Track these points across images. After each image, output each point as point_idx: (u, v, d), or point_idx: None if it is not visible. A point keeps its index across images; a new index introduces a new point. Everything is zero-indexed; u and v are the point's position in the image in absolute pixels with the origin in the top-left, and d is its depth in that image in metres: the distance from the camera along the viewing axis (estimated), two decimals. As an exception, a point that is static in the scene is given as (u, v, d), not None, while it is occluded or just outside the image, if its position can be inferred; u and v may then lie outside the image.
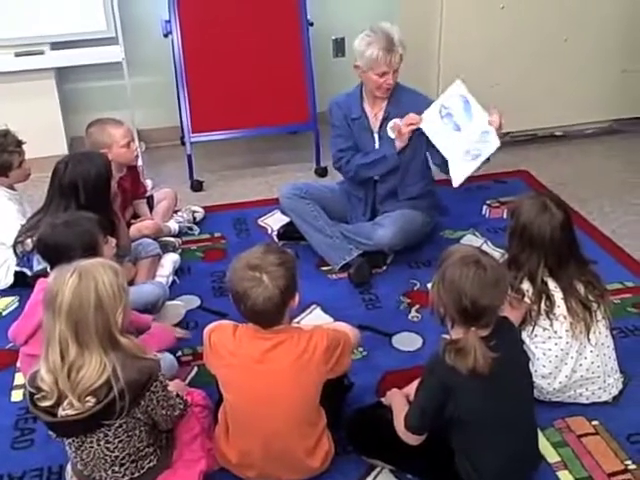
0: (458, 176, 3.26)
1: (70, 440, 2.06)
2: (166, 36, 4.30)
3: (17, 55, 4.23)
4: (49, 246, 2.49)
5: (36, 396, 1.99)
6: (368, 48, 3.23)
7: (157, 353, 2.53)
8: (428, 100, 3.39)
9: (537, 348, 2.50)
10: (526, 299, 2.46)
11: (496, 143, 3.18)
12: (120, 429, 2.02)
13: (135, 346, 2.05)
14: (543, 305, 2.47)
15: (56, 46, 4.33)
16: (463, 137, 3.24)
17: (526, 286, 2.46)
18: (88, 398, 1.95)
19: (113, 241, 2.64)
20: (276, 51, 4.31)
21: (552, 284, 2.47)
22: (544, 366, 2.48)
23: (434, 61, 4.40)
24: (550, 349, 2.48)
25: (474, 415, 2.07)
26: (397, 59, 3.24)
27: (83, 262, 2.02)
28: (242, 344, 2.17)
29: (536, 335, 2.50)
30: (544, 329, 2.49)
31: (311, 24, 4.38)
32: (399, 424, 2.19)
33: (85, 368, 1.95)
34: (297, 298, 2.19)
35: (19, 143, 3.32)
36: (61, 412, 1.96)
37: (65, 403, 1.95)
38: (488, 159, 3.28)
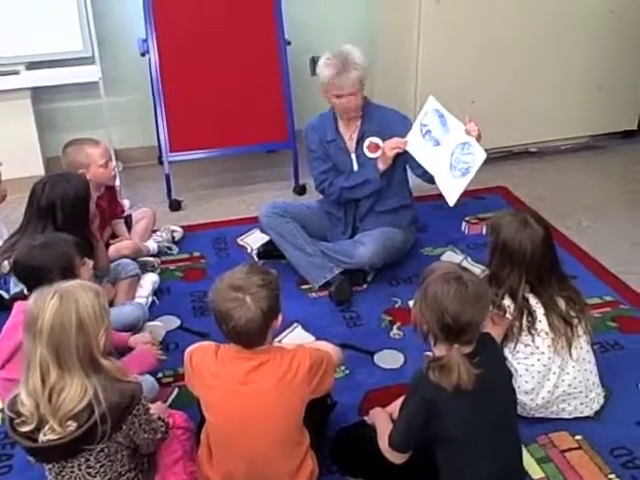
0: (451, 195, 3.23)
1: (50, 465, 2.03)
2: (143, 55, 4.28)
3: (-9, 75, 4.20)
4: (26, 268, 2.46)
5: (15, 421, 1.95)
6: (323, 70, 3.27)
7: (138, 375, 2.53)
8: (401, 116, 3.42)
9: (519, 364, 2.50)
10: (507, 315, 2.47)
11: (482, 155, 3.13)
12: (102, 453, 1.99)
13: (116, 368, 2.03)
14: (525, 321, 2.48)
15: (32, 66, 4.30)
16: (444, 151, 3.23)
17: (507, 302, 2.47)
18: (69, 422, 1.91)
19: (90, 263, 2.61)
20: (254, 70, 4.31)
21: (533, 300, 2.48)
22: (527, 382, 2.49)
23: (412, 78, 4.43)
24: (533, 365, 2.48)
25: (458, 431, 2.07)
26: (351, 81, 3.22)
27: (63, 284, 2.00)
28: (224, 365, 2.15)
29: (518, 351, 2.51)
30: (526, 345, 2.50)
31: (289, 43, 4.39)
32: (383, 442, 2.18)
33: (66, 391, 1.92)
34: (280, 319, 2.18)
35: (-5, 165, 3.28)
36: (42, 437, 1.92)
37: (46, 428, 1.92)
38: None
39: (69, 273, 2.39)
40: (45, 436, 1.92)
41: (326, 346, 2.45)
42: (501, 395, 2.15)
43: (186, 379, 2.28)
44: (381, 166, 3.34)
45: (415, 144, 3.30)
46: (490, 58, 4.44)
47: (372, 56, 4.74)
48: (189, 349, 2.29)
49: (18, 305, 2.48)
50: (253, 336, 2.10)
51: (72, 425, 1.91)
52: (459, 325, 2.02)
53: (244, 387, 2.10)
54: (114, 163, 3.49)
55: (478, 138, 3.14)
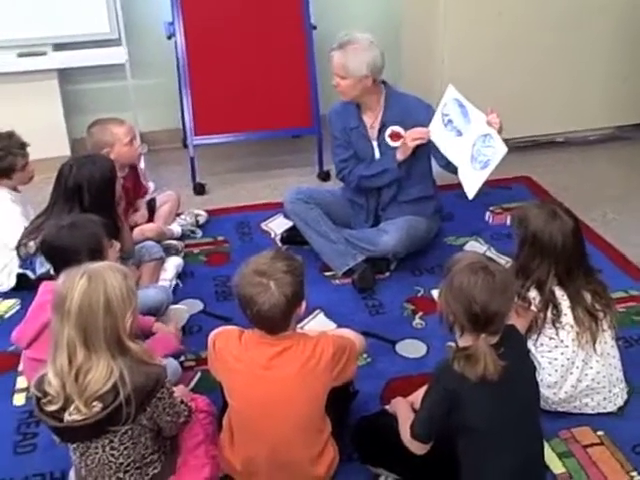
0: (470, 187, 3.19)
1: (75, 445, 2.05)
2: (169, 38, 4.28)
3: (20, 56, 4.23)
4: (54, 248, 2.47)
5: (42, 400, 1.97)
6: None
7: (162, 358, 2.54)
8: (424, 104, 3.38)
9: (543, 357, 2.49)
10: (532, 307, 2.45)
11: (503, 149, 3.06)
12: (125, 435, 2.01)
13: (142, 351, 2.04)
14: (549, 314, 2.46)
15: (59, 47, 4.32)
16: (465, 142, 3.18)
17: (533, 294, 2.46)
18: (95, 403, 1.93)
19: (117, 245, 2.63)
20: (280, 54, 4.30)
21: (559, 292, 2.46)
22: (550, 375, 2.48)
23: (437, 65, 4.39)
24: (556, 358, 2.47)
25: (481, 422, 2.06)
26: (335, 62, 3.22)
27: (92, 265, 2.02)
28: (248, 349, 2.16)
29: (542, 344, 2.50)
30: (550, 338, 2.48)
31: (314, 27, 4.37)
32: (405, 432, 2.17)
33: (92, 372, 1.94)
34: (304, 305, 2.18)
35: (23, 145, 3.31)
36: (67, 417, 1.94)
37: (72, 408, 1.93)
38: None
39: (97, 254, 2.40)
40: (70, 416, 1.94)
41: (349, 333, 2.45)
42: (525, 387, 2.14)
43: (209, 363, 2.30)
44: (400, 156, 3.32)
45: (437, 134, 3.27)
46: (516, 46, 4.38)
47: (397, 42, 4.75)
48: (213, 333, 2.30)
49: (44, 285, 2.50)
50: (277, 321, 2.10)
51: (97, 406, 1.93)
52: (487, 315, 2.00)
53: (267, 372, 2.11)
54: (139, 142, 3.49)
55: (500, 130, 3.07)
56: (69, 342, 1.93)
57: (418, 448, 2.15)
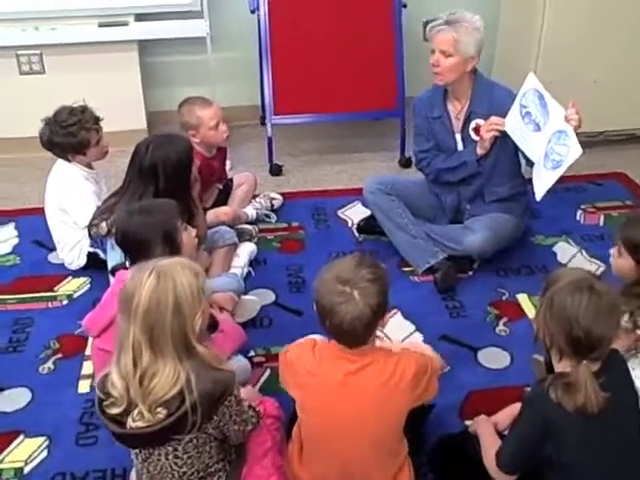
0: (540, 188, 2.94)
1: (137, 450, 1.94)
2: (253, 12, 4.13)
3: (100, 25, 4.13)
4: (126, 236, 2.36)
5: (105, 402, 1.86)
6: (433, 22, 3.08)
7: (232, 355, 2.43)
8: (513, 96, 3.10)
9: (642, 383, 2.27)
10: (638, 331, 2.23)
11: (577, 150, 2.77)
12: (190, 444, 1.89)
13: (211, 355, 1.91)
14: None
15: (140, 17, 4.22)
16: (542, 137, 2.93)
17: None
18: (159, 409, 1.81)
19: (193, 231, 2.50)
20: (366, 33, 4.09)
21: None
22: (649, 404, 2.26)
23: (533, 50, 4.11)
24: (658, 385, 2.25)
25: (575, 458, 1.87)
26: (445, 36, 3.00)
27: (162, 261, 1.89)
28: (322, 363, 2.00)
29: (642, 368, 2.28)
30: (651, 362, 2.27)
31: (404, 5, 4.15)
32: (489, 460, 2.00)
33: (158, 376, 1.82)
34: (387, 317, 2.02)
35: (97, 120, 3.19)
36: (130, 423, 1.83)
37: (135, 413, 1.82)
38: None
39: (172, 241, 2.31)
40: (134, 422, 1.82)
41: (426, 349, 2.30)
42: (627, 421, 1.93)
43: (280, 378, 2.15)
44: (479, 150, 3.12)
45: (514, 127, 3.03)
46: (618, 33, 4.06)
47: (493, 25, 4.48)
48: (284, 348, 2.15)
49: (120, 274, 2.39)
50: (357, 335, 1.94)
51: (162, 412, 1.81)
52: (590, 340, 1.81)
53: (344, 389, 1.95)
54: (224, 126, 3.37)
55: (577, 127, 2.81)
56: (134, 343, 1.82)
57: (504, 479, 1.97)
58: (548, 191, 2.92)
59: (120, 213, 2.50)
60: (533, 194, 3.00)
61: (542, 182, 2.93)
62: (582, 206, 3.78)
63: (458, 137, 3.23)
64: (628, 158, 4.28)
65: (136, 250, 2.33)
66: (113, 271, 2.48)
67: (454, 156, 3.23)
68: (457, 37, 2.99)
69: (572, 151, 2.79)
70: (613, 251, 2.44)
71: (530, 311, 2.97)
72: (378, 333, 2.03)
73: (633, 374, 2.21)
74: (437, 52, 3.05)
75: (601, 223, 3.66)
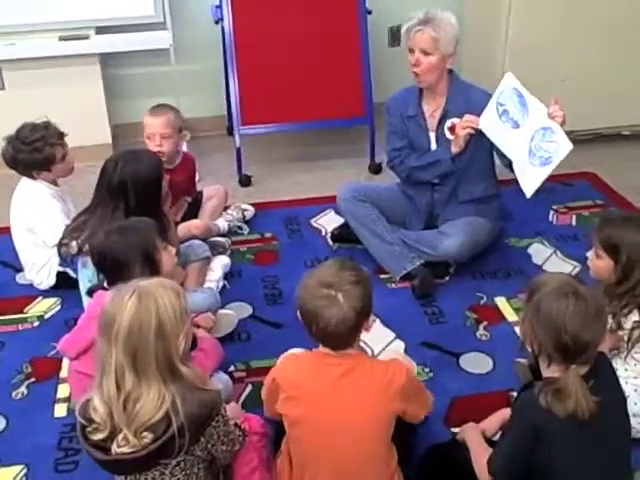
0: (528, 186, 2.94)
1: (122, 477, 1.88)
2: (217, 23, 4.09)
3: (61, 39, 4.07)
4: (104, 257, 2.30)
5: (87, 429, 1.80)
6: (407, 21, 3.08)
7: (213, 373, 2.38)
8: (489, 96, 3.10)
9: (627, 384, 2.26)
10: (620, 332, 2.24)
11: (566, 146, 2.78)
12: (177, 468, 1.84)
13: (196, 375, 1.86)
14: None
15: (101, 30, 4.16)
16: (523, 135, 2.93)
17: (636, 317, 2.25)
18: (145, 434, 1.76)
19: (173, 250, 2.45)
20: (332, 40, 4.08)
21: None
22: (636, 404, 2.26)
23: (500, 52, 4.13)
24: (643, 385, 2.26)
25: (567, 463, 1.86)
26: (425, 36, 3.00)
27: (142, 282, 1.83)
28: (307, 372, 1.99)
29: (626, 369, 2.29)
30: (636, 363, 2.27)
31: (369, 12, 4.14)
32: (480, 468, 1.98)
33: (142, 400, 1.76)
34: (371, 320, 2.00)
35: (61, 135, 3.12)
36: (115, 449, 1.77)
37: (120, 438, 1.77)
38: None
39: (150, 261, 2.27)
40: (119, 448, 1.77)
41: (408, 361, 2.30)
42: (616, 423, 1.93)
43: (265, 407, 2.17)
44: (454, 149, 3.12)
45: (491, 125, 3.03)
46: (585, 32, 4.11)
47: (458, 28, 4.49)
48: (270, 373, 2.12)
49: (98, 295, 2.33)
50: (342, 337, 1.93)
51: (148, 437, 1.76)
52: (579, 345, 1.80)
53: (332, 396, 1.93)
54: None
55: (562, 123, 2.81)
56: (117, 367, 1.76)
57: (496, 486, 1.95)
58: (538, 189, 2.92)
59: (97, 233, 2.43)
60: (522, 193, 2.98)
61: (530, 179, 2.93)
62: (554, 207, 3.80)
63: (432, 136, 3.22)
64: (597, 158, 4.30)
65: (114, 271, 2.27)
66: (90, 292, 2.41)
67: (428, 154, 3.22)
68: (436, 35, 2.99)
69: (562, 147, 2.79)
70: (590, 254, 2.44)
71: (509, 314, 2.98)
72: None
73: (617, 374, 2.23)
74: (417, 52, 3.03)
75: (573, 223, 3.68)
